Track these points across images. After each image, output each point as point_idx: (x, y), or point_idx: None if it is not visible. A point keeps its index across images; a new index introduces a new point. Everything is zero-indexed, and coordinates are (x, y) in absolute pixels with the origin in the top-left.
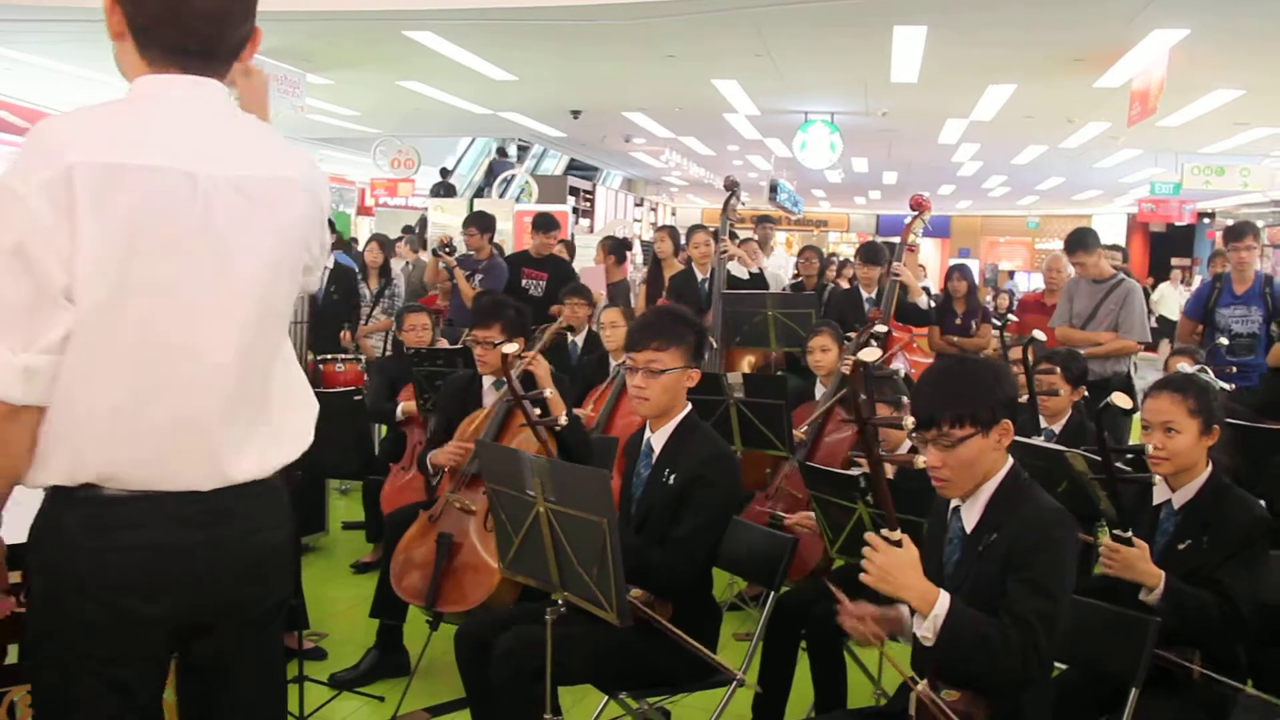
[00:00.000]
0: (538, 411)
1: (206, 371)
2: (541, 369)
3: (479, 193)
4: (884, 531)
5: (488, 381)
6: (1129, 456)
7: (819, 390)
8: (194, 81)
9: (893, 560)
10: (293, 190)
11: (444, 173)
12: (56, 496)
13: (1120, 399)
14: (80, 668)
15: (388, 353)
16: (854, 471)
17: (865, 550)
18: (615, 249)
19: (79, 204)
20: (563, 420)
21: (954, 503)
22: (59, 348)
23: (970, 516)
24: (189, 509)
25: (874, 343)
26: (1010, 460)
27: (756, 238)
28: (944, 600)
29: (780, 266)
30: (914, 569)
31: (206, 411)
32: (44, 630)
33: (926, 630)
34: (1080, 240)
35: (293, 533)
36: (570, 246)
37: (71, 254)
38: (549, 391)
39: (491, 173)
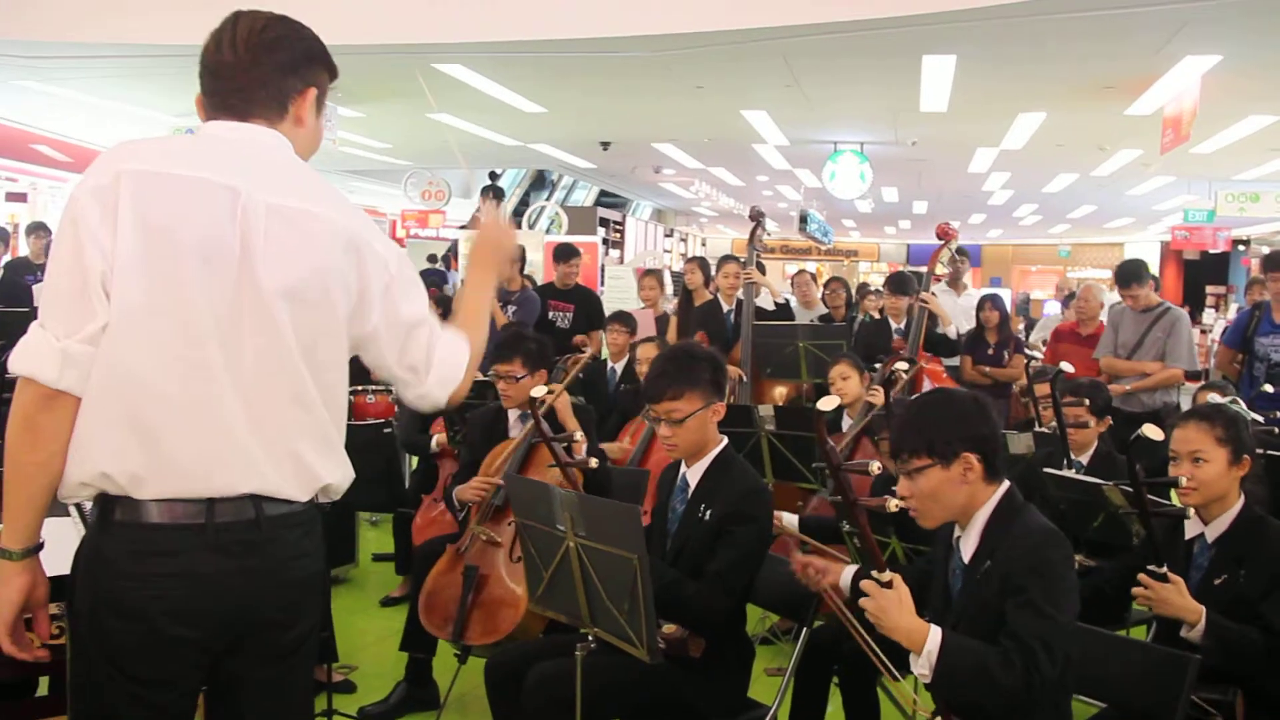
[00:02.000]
0: (565, 450)
1: (228, 375)
2: (561, 403)
3: (525, 198)
4: (873, 574)
5: (513, 415)
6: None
7: (846, 422)
8: (244, 125)
9: (880, 604)
10: (332, 230)
11: (493, 175)
12: (99, 524)
13: (1151, 430)
14: (119, 689)
15: None
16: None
17: (862, 600)
18: (663, 282)
19: (121, 204)
20: (593, 463)
21: (955, 533)
22: (96, 339)
23: (968, 547)
24: (225, 538)
25: (899, 375)
26: (1001, 488)
27: (949, 272)
28: (935, 636)
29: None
30: (900, 610)
31: (228, 415)
32: (85, 652)
33: (922, 667)
34: (1134, 273)
35: (323, 561)
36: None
37: (112, 249)
38: (579, 435)
39: (541, 179)
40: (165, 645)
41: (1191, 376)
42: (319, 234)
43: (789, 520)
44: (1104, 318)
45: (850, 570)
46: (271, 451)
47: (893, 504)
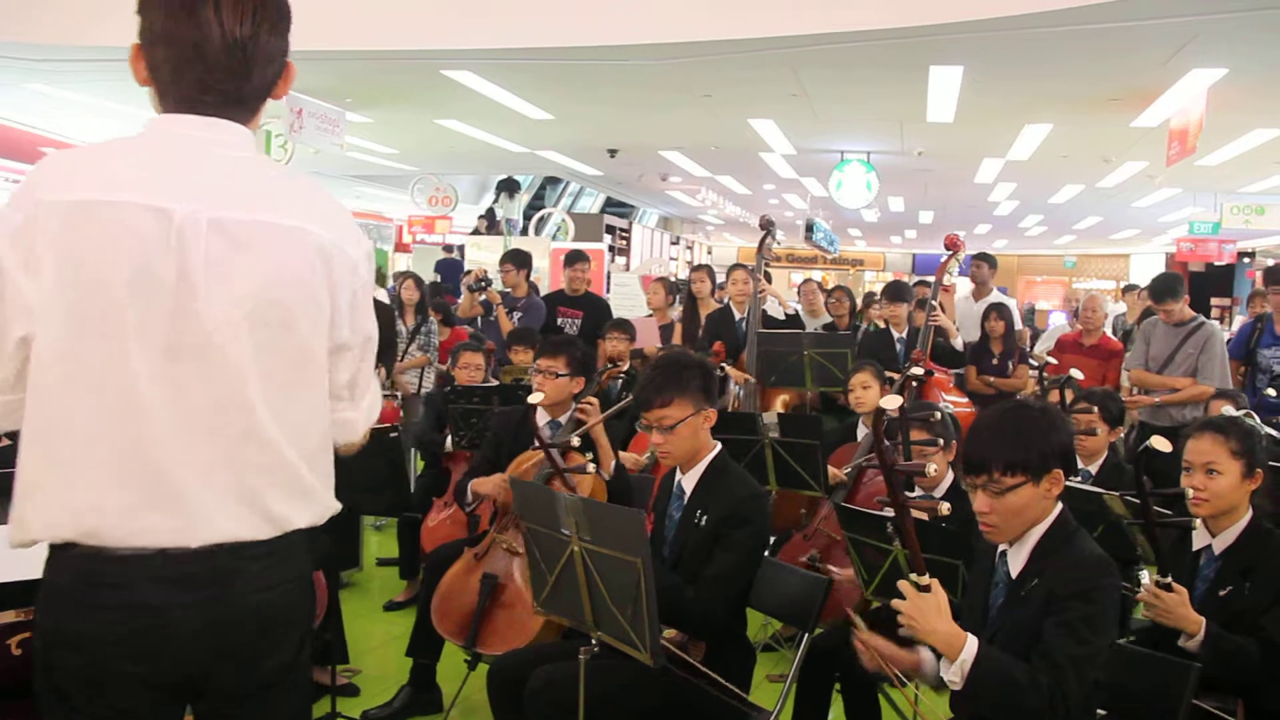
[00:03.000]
0: (590, 458)
1: (171, 419)
2: (593, 417)
3: (541, 191)
4: (912, 576)
5: (543, 419)
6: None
7: (861, 431)
8: (207, 122)
9: (919, 606)
10: (293, 239)
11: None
12: (52, 553)
13: (1159, 442)
14: None
15: (424, 389)
16: (889, 513)
17: (896, 600)
18: (671, 290)
19: (38, 243)
20: (590, 469)
21: (1001, 546)
22: None
23: (1016, 562)
24: (176, 570)
25: (914, 384)
26: (1059, 507)
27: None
28: (971, 645)
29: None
30: (940, 614)
31: (174, 462)
32: (39, 683)
33: (954, 674)
34: (1169, 289)
35: (303, 590)
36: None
37: (29, 293)
38: (591, 467)
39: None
40: (111, 680)
41: None
42: (275, 247)
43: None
44: (1108, 329)
45: (927, 655)
46: (223, 499)
47: (944, 507)
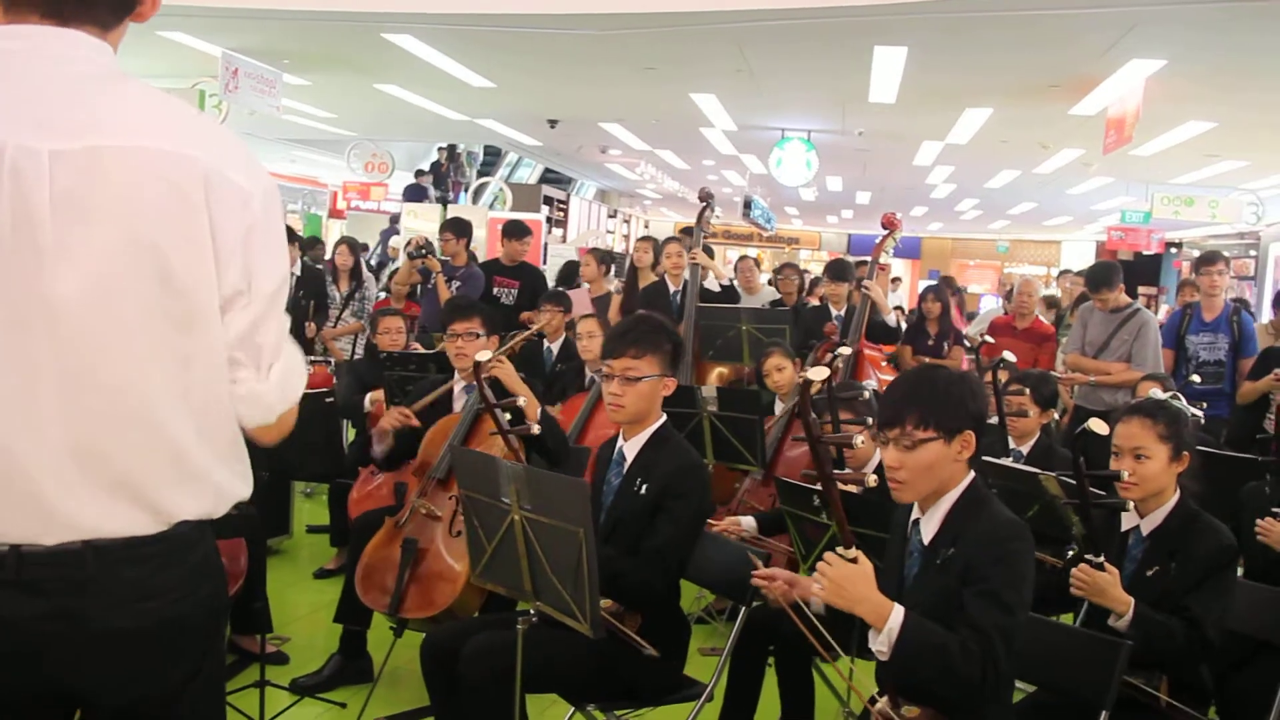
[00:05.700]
0: (508, 418)
1: (20, 398)
2: (506, 372)
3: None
4: (839, 549)
5: (458, 387)
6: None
7: (778, 406)
8: (47, 31)
9: (846, 574)
10: (163, 166)
11: None
12: None
13: (1097, 424)
14: None
15: (357, 355)
16: (871, 479)
17: (820, 565)
18: (604, 260)
19: None
20: (535, 429)
21: (914, 515)
22: None
23: (929, 529)
24: (33, 572)
25: (839, 361)
26: (970, 474)
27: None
28: (898, 614)
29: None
30: (867, 583)
31: (24, 448)
32: None
33: (881, 644)
34: (1104, 279)
35: (201, 596)
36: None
37: None
38: (521, 400)
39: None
40: None
41: None
42: (139, 178)
43: (748, 523)
44: (1038, 312)
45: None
46: (84, 489)
47: (871, 478)
